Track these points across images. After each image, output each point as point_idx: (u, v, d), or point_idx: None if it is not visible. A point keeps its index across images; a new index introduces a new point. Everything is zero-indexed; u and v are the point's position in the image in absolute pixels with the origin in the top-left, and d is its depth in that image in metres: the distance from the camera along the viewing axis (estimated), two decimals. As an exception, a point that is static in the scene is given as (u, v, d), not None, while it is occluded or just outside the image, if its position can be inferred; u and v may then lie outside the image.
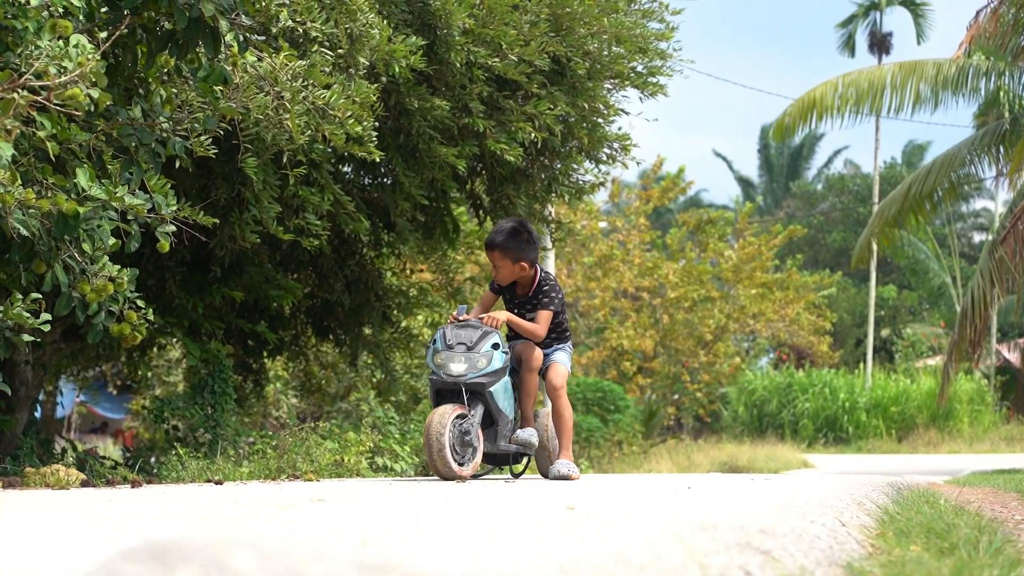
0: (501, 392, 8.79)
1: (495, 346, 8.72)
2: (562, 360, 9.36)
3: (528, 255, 8.99)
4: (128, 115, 7.65)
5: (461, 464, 8.43)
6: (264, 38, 8.89)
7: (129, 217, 7.35)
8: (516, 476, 9.71)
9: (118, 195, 7.11)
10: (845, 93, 22.42)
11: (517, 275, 9.04)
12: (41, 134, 6.82)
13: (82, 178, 7.02)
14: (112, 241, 7.35)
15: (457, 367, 8.61)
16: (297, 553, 1.95)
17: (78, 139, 7.16)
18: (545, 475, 9.34)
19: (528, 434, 8.90)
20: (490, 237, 9.00)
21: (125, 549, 1.87)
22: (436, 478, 8.56)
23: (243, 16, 7.59)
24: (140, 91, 8.02)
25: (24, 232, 6.78)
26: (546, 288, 9.12)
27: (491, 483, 8.22)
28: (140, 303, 7.73)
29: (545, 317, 9.12)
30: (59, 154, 7.10)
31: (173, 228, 7.62)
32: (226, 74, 7.95)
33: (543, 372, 9.27)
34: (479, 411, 8.67)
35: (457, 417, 8.45)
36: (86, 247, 7.25)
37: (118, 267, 7.47)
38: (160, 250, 7.60)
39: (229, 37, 7.55)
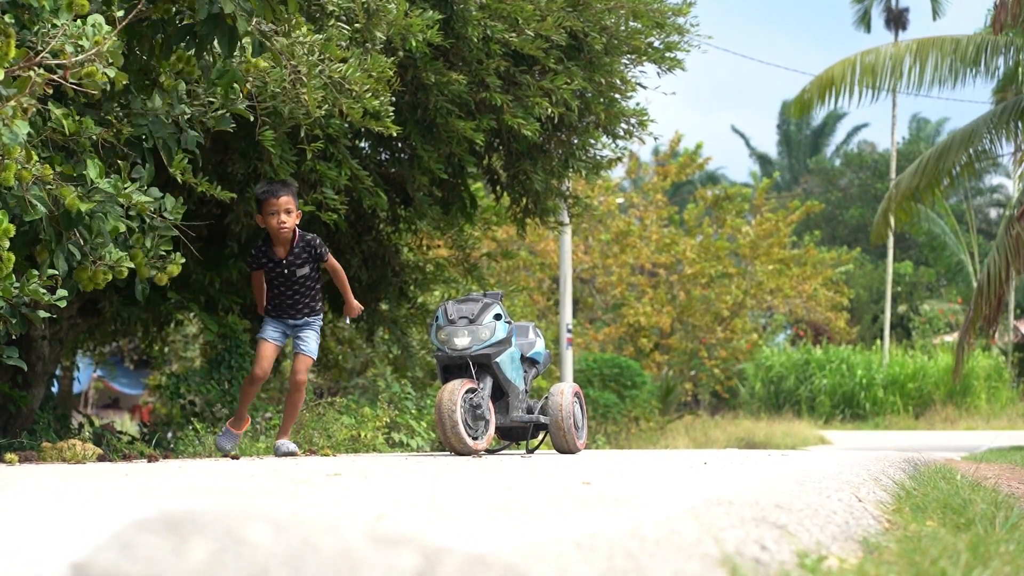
0: (508, 363, 8.82)
1: (497, 317, 8.76)
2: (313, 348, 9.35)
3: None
4: (143, 104, 7.67)
5: (475, 438, 8.45)
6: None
7: (131, 213, 7.38)
8: (531, 451, 9.73)
9: (126, 191, 7.12)
10: (863, 71, 22.32)
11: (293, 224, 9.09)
12: (57, 112, 6.82)
13: (92, 170, 7.02)
14: (114, 225, 7.39)
15: (461, 341, 8.65)
16: (312, 526, 1.95)
17: (89, 132, 7.16)
18: (560, 451, 9.32)
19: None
20: (272, 188, 9.00)
21: (139, 520, 1.87)
22: (451, 454, 8.57)
23: (262, 22, 7.62)
24: (156, 78, 8.02)
25: (42, 209, 6.79)
26: (309, 238, 9.18)
27: (506, 458, 8.23)
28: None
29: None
30: (69, 145, 7.12)
31: (175, 232, 7.71)
32: (238, 78, 7.98)
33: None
34: (488, 384, 8.70)
35: (467, 391, 8.47)
36: (86, 235, 7.28)
37: (119, 253, 7.48)
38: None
39: (246, 41, 7.57)
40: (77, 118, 7.01)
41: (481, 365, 8.72)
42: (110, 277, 7.38)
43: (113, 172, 7.34)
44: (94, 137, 7.33)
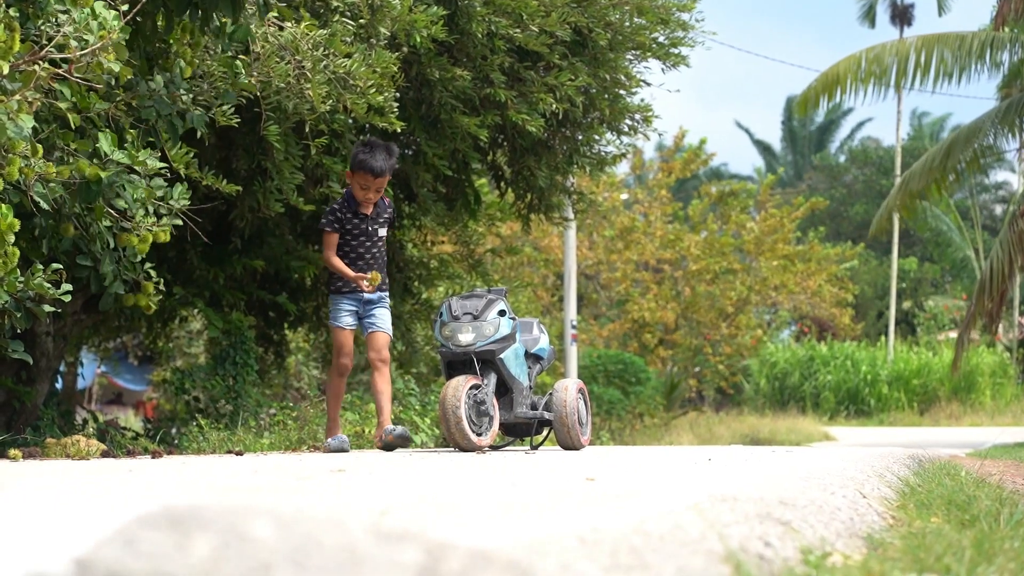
0: (512, 358, 8.81)
1: (501, 313, 8.76)
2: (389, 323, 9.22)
3: None
4: (148, 87, 7.66)
5: (479, 434, 8.45)
6: (285, 3, 8.88)
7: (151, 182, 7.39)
8: (535, 447, 9.72)
9: (140, 159, 7.13)
10: (869, 67, 22.26)
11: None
12: (62, 104, 6.82)
13: (104, 143, 7.03)
14: (145, 192, 7.44)
15: (465, 337, 8.64)
16: (316, 521, 1.94)
17: (98, 108, 7.17)
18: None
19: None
20: (375, 164, 8.74)
21: (142, 515, 1.87)
22: (455, 450, 8.57)
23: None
24: (160, 61, 8.01)
25: (45, 206, 6.79)
26: (387, 200, 9.11)
27: (510, 454, 8.23)
28: (152, 272, 7.81)
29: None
30: (79, 124, 7.11)
31: (179, 219, 7.71)
32: (250, 35, 7.94)
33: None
34: (492, 380, 8.70)
35: (471, 387, 8.47)
36: (120, 203, 7.31)
37: (153, 218, 7.52)
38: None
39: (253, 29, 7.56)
40: (85, 94, 7.00)
41: (485, 361, 8.72)
42: (163, 237, 7.46)
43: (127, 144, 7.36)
44: (103, 112, 7.34)
